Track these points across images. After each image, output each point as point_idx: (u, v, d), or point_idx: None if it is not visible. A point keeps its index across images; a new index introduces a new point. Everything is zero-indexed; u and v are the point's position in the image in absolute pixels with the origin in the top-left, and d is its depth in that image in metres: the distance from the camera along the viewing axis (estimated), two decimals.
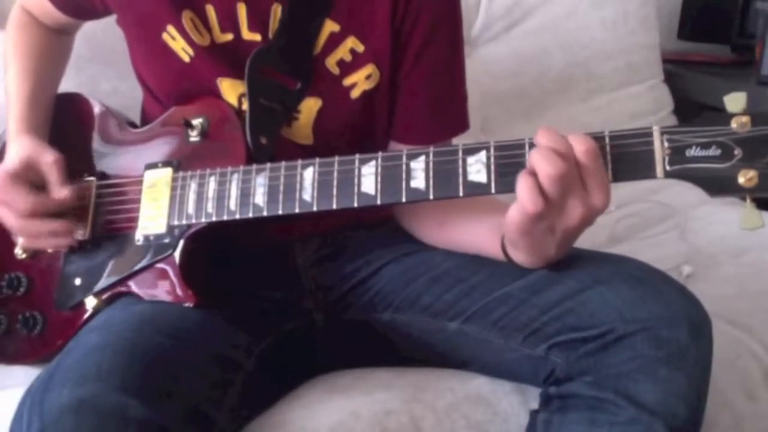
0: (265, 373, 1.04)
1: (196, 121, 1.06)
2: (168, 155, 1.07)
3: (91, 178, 1.12)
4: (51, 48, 1.25)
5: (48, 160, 1.07)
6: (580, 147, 0.84)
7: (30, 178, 1.07)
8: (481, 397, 1.05)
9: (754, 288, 1.38)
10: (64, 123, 1.19)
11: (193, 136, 1.06)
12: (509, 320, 0.99)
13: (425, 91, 1.12)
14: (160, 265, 1.04)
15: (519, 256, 0.96)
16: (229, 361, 0.98)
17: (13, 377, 1.08)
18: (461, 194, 0.90)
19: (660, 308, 0.90)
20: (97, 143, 1.17)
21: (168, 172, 1.05)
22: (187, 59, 1.08)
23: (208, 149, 1.05)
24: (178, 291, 1.02)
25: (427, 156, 0.91)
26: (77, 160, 1.13)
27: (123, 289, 1.06)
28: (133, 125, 1.18)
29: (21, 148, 1.09)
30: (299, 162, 0.97)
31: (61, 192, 1.07)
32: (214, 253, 1.08)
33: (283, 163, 0.98)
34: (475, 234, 1.05)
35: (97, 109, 1.19)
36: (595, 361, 0.91)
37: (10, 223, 1.07)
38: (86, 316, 1.08)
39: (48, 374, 0.88)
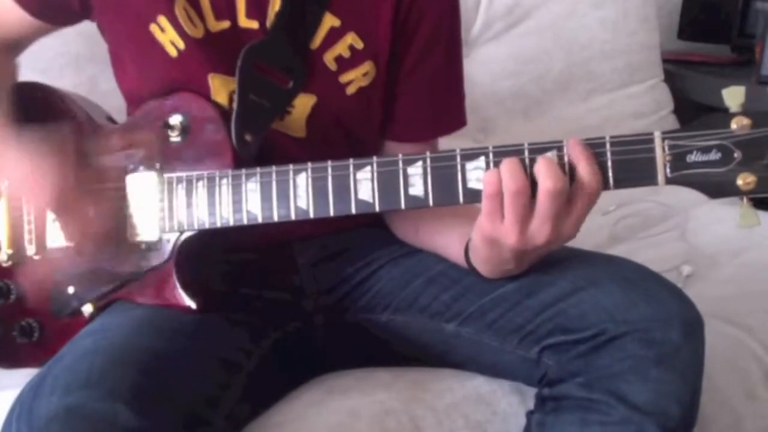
0: (264, 374, 1.03)
1: (175, 120, 1.01)
2: (149, 158, 1.02)
3: None
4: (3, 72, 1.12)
5: None
6: (549, 184, 0.85)
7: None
8: (480, 397, 1.05)
9: (753, 288, 1.39)
10: (31, 117, 1.08)
11: (174, 137, 1.01)
12: (504, 322, 0.99)
13: (427, 92, 1.12)
14: (156, 272, 1.01)
15: (479, 264, 0.97)
16: (229, 362, 0.98)
17: (12, 377, 1.07)
18: (461, 201, 0.89)
19: (652, 310, 0.90)
20: (70, 141, 1.07)
21: (152, 176, 1.01)
22: (174, 53, 1.02)
23: (190, 149, 1.01)
24: (177, 297, 1.00)
25: (424, 161, 0.90)
26: None
27: (119, 295, 1.03)
28: (110, 120, 1.13)
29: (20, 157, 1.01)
30: (291, 167, 0.95)
31: None
32: (212, 255, 1.06)
33: (274, 168, 0.95)
34: (447, 241, 1.05)
35: (67, 101, 1.10)
36: (586, 363, 0.91)
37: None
38: (85, 321, 1.04)
39: (38, 380, 0.86)
